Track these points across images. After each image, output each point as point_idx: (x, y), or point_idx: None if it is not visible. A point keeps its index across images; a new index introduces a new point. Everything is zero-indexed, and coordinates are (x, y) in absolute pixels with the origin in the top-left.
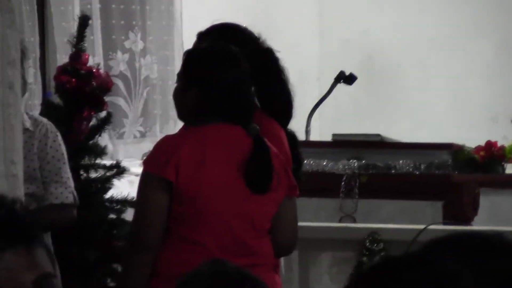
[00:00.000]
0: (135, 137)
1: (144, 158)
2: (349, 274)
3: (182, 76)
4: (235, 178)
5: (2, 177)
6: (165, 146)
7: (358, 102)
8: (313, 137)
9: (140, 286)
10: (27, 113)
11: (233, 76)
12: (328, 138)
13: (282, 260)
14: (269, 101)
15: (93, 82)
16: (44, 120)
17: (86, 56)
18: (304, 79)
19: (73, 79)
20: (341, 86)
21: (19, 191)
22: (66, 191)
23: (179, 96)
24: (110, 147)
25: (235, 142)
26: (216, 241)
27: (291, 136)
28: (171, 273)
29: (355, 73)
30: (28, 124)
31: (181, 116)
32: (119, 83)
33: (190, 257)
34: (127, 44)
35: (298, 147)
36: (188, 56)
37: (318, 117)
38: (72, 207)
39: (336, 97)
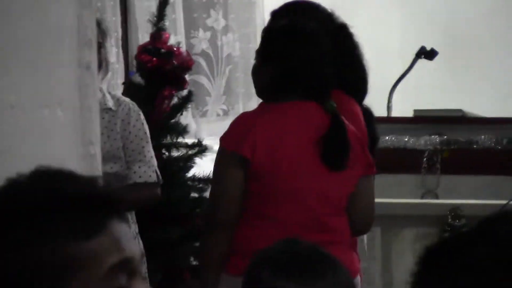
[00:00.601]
0: (218, 115)
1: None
2: (424, 248)
3: (260, 53)
4: (312, 155)
5: (80, 158)
6: (242, 123)
7: (440, 77)
8: (395, 113)
9: (218, 263)
10: (110, 93)
11: (310, 52)
12: (409, 114)
13: (365, 237)
14: (343, 77)
15: (174, 61)
16: (127, 99)
17: (167, 35)
18: (386, 55)
19: (154, 58)
20: (422, 61)
21: (98, 171)
22: (149, 170)
23: (256, 73)
24: (193, 126)
25: (312, 119)
26: (293, 218)
27: (367, 112)
28: (249, 250)
29: (437, 47)
30: (110, 103)
31: (258, 93)
32: (201, 61)
33: (267, 233)
34: (208, 22)
35: (373, 124)
36: (265, 33)
37: (400, 92)
38: (155, 185)
39: (418, 73)
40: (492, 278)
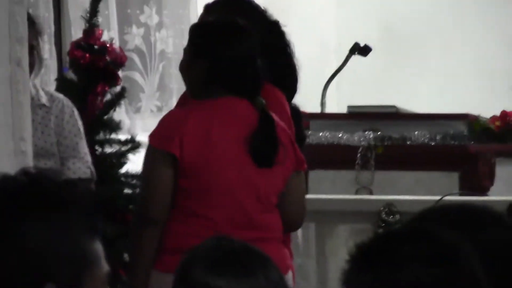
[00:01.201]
0: (152, 111)
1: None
2: (353, 246)
3: (189, 49)
4: (241, 151)
5: (11, 154)
6: (170, 120)
7: (377, 73)
8: (332, 109)
9: (147, 260)
10: (43, 89)
11: (240, 49)
12: (344, 110)
13: (299, 233)
14: (274, 75)
15: (107, 57)
16: (61, 96)
17: (100, 31)
18: (322, 51)
19: (87, 55)
20: (358, 58)
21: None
22: (83, 166)
23: (185, 69)
24: (127, 122)
25: (242, 115)
26: (223, 215)
27: (295, 111)
28: (178, 247)
29: (373, 43)
30: (44, 100)
31: (188, 90)
32: (135, 57)
33: (197, 231)
34: (142, 18)
35: (301, 123)
36: (195, 29)
37: (335, 89)
38: (90, 182)
39: (355, 69)
40: (419, 276)
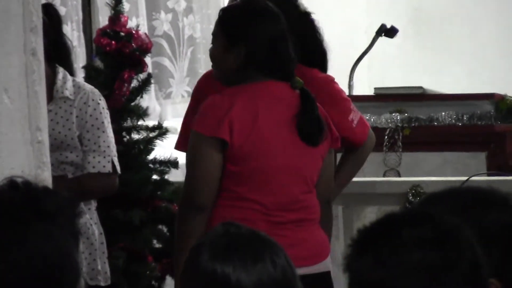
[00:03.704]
0: (182, 96)
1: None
2: (357, 230)
3: (221, 34)
4: (287, 133)
5: (27, 144)
6: (216, 106)
7: (405, 55)
8: (363, 91)
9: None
10: (74, 80)
11: (275, 31)
12: (371, 92)
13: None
14: (304, 61)
15: (133, 44)
16: (88, 88)
17: (126, 18)
18: (352, 33)
19: (113, 42)
20: (387, 39)
21: (45, 157)
22: (104, 160)
23: (219, 56)
24: (157, 108)
25: (283, 97)
26: (271, 198)
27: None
28: None
29: (403, 25)
30: (68, 93)
31: (222, 76)
32: (164, 43)
33: (246, 215)
34: (170, 3)
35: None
36: (227, 13)
37: (367, 70)
38: (109, 176)
39: (384, 50)
40: (419, 259)
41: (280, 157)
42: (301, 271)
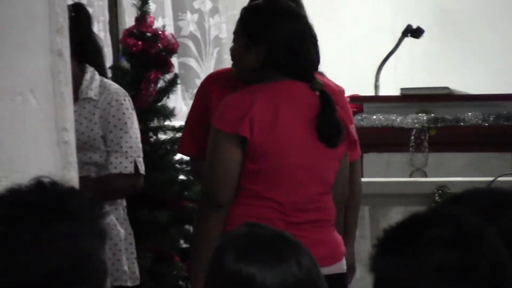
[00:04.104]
0: None
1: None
2: (382, 230)
3: (243, 33)
4: (306, 133)
5: (54, 144)
6: (237, 103)
7: (431, 55)
8: (389, 91)
9: (212, 244)
10: (101, 80)
11: (293, 31)
12: (397, 92)
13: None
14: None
15: (159, 44)
16: (113, 88)
17: (152, 19)
18: (378, 34)
19: (139, 42)
20: (415, 40)
21: (72, 157)
22: (126, 161)
23: (240, 55)
24: (184, 108)
25: (303, 97)
26: (289, 198)
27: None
28: None
29: (429, 25)
30: (92, 93)
31: (242, 74)
32: (190, 43)
33: (263, 213)
34: (195, 4)
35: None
36: (249, 13)
37: (393, 71)
38: (131, 177)
39: (410, 51)
40: (442, 259)
41: (298, 156)
42: None
